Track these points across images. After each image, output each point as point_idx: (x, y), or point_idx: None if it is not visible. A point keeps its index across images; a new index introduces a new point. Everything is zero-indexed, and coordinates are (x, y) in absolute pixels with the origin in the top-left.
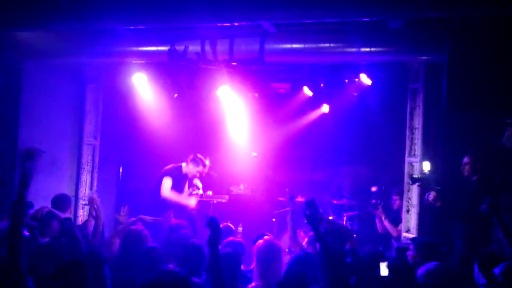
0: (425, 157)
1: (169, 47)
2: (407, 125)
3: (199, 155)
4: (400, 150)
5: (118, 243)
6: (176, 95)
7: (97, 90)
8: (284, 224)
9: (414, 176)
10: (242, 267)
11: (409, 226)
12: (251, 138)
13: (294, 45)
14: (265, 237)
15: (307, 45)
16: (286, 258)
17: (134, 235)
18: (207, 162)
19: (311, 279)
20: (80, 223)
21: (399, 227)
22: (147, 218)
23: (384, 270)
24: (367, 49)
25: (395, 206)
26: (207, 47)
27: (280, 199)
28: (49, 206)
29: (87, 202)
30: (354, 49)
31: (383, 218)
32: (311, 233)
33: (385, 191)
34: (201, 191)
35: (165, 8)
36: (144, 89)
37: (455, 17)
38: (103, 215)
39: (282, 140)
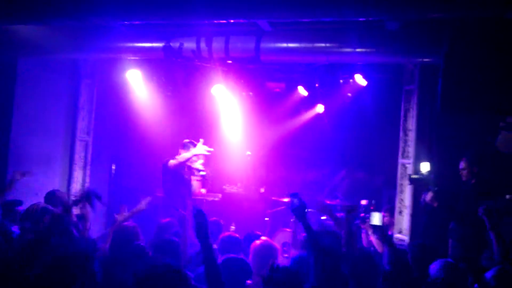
0: (418, 158)
1: (164, 44)
2: (401, 127)
3: (185, 140)
4: (394, 151)
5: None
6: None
7: (92, 86)
8: (276, 223)
9: (412, 176)
10: None
11: (402, 227)
12: (245, 137)
13: (290, 44)
14: (262, 238)
15: (302, 44)
16: (281, 258)
17: (124, 232)
18: (200, 141)
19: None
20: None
21: None
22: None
23: (376, 220)
24: (363, 50)
25: (383, 223)
26: (203, 45)
27: (274, 198)
28: (42, 202)
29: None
30: (349, 49)
31: (370, 232)
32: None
33: (375, 205)
34: (204, 172)
35: (161, 4)
36: (138, 85)
37: (452, 19)
38: (94, 212)
39: (276, 139)
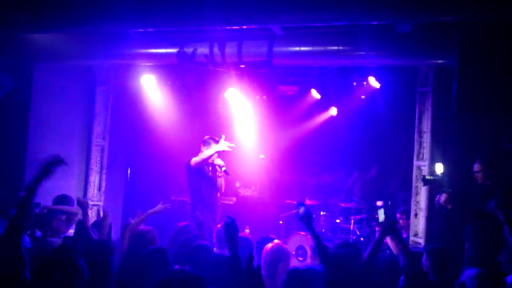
0: (433, 160)
1: (178, 49)
2: (416, 129)
3: (206, 137)
4: (408, 153)
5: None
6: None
7: (107, 92)
8: (291, 227)
9: (426, 177)
10: None
11: (417, 230)
12: (259, 141)
13: (302, 48)
14: (275, 241)
15: (315, 48)
16: (293, 262)
17: (141, 236)
18: (222, 137)
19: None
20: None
21: None
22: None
23: (381, 216)
24: (375, 52)
25: (398, 225)
26: (216, 50)
27: (288, 201)
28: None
29: (96, 203)
30: (362, 52)
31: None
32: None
33: (391, 206)
34: (224, 168)
35: (175, 11)
36: (152, 91)
37: (465, 21)
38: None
39: (289, 142)
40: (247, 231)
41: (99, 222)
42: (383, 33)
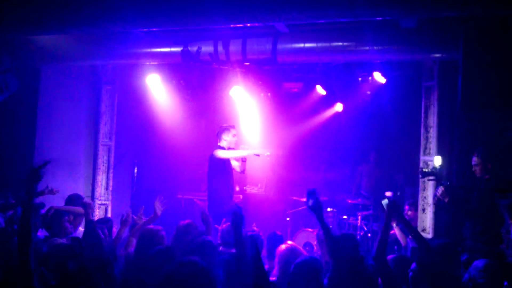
0: (440, 155)
1: (182, 48)
2: (422, 123)
3: (222, 126)
4: (415, 148)
5: (135, 243)
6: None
7: (113, 91)
8: (298, 223)
9: (424, 170)
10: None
11: (425, 225)
12: (264, 138)
13: (307, 44)
14: (288, 242)
15: (319, 44)
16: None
17: (149, 235)
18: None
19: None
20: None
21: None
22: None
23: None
24: (380, 48)
25: (407, 217)
26: (220, 48)
27: (294, 198)
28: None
29: (103, 202)
30: (367, 48)
31: (394, 224)
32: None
33: (400, 197)
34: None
35: (179, 10)
36: (158, 89)
37: (469, 16)
38: (118, 215)
39: (295, 139)
40: (254, 228)
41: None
42: (388, 29)
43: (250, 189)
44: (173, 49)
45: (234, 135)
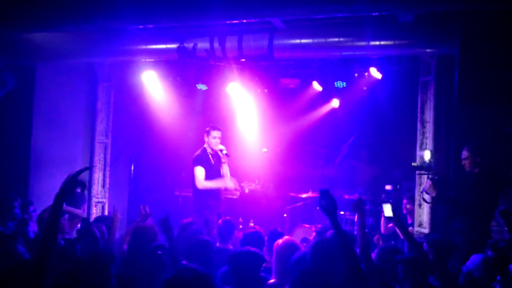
0: (436, 150)
1: (178, 45)
2: (418, 119)
3: (207, 128)
4: (411, 144)
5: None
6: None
7: (109, 89)
8: (295, 219)
9: (413, 164)
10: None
11: (422, 220)
12: (261, 134)
13: (303, 40)
14: (285, 237)
15: (316, 40)
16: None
17: (142, 232)
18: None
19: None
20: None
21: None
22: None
23: (388, 211)
24: (377, 43)
25: (405, 210)
26: (216, 44)
27: (292, 194)
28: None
29: (100, 200)
30: (363, 43)
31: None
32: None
33: (399, 191)
34: (225, 151)
35: (176, 7)
36: (154, 86)
37: (466, 10)
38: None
39: (292, 135)
40: (251, 225)
41: (103, 218)
42: (385, 23)
43: (247, 186)
44: (169, 46)
45: (214, 137)
